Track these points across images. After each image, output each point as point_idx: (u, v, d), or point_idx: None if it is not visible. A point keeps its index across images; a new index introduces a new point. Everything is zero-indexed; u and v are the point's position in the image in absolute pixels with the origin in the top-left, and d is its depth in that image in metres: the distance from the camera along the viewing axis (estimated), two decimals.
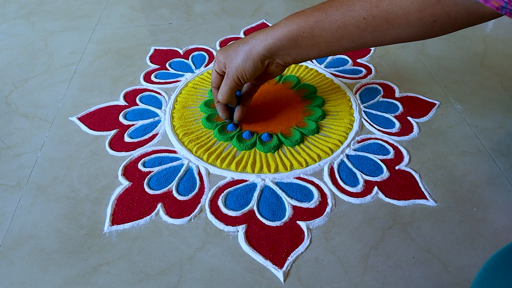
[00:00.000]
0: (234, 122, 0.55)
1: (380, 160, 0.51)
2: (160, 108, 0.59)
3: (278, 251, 0.41)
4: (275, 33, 0.45)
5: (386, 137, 0.54)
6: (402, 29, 0.40)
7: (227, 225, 0.43)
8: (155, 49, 0.73)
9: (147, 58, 0.70)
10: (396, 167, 0.50)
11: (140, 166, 0.50)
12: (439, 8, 0.38)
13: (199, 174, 0.49)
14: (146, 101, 0.61)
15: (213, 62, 0.49)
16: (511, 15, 0.35)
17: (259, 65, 0.47)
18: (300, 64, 0.68)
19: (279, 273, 0.39)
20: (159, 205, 0.45)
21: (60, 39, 0.77)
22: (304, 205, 0.45)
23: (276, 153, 0.52)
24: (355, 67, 0.68)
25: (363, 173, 0.49)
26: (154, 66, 0.69)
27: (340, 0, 0.42)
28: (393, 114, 0.58)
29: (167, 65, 0.69)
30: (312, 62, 0.69)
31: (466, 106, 0.59)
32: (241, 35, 0.77)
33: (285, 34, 0.44)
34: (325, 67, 0.68)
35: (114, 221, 0.44)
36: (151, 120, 0.57)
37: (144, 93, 0.62)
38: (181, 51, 0.72)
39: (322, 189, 0.47)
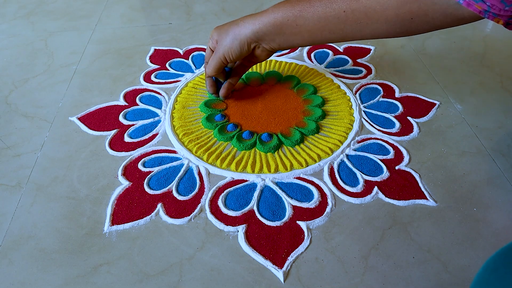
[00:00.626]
0: (220, 98, 0.59)
1: (380, 160, 0.51)
2: (160, 108, 0.59)
3: (278, 251, 0.41)
4: (263, 18, 0.47)
5: (386, 137, 0.54)
6: (380, 24, 0.41)
7: (227, 225, 0.43)
8: (155, 49, 0.73)
9: (147, 58, 0.70)
10: (396, 167, 0.50)
11: (140, 166, 0.50)
12: (416, 6, 0.39)
13: (199, 174, 0.49)
14: (146, 101, 0.61)
15: (209, 39, 0.54)
16: (493, 18, 0.36)
17: (245, 47, 0.50)
18: (300, 64, 0.68)
19: (279, 273, 0.39)
20: (159, 205, 0.45)
21: (60, 39, 0.77)
22: (304, 205, 0.45)
23: (276, 153, 0.52)
24: (355, 67, 0.68)
25: (363, 173, 0.49)
26: (154, 66, 0.69)
27: None
28: (393, 114, 0.58)
29: (167, 65, 0.69)
30: (312, 62, 0.69)
31: (466, 106, 0.59)
32: None
33: (271, 20, 0.47)
34: (325, 67, 0.68)
35: (114, 221, 0.44)
36: (151, 120, 0.57)
37: (144, 93, 0.62)
38: (181, 51, 0.72)
39: (322, 189, 0.47)
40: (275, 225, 0.43)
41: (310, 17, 0.45)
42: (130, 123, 0.57)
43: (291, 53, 0.71)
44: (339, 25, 0.44)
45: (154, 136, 0.55)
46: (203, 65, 0.59)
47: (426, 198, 0.46)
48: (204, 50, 0.72)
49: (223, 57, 0.51)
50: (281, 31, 0.47)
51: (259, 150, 0.52)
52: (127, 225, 0.44)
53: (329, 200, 0.46)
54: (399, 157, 0.51)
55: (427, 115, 0.58)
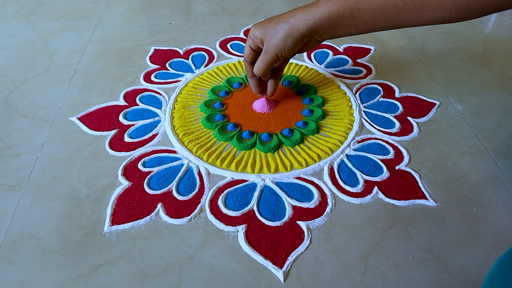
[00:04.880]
0: (267, 96, 0.58)
1: (380, 160, 0.51)
2: (160, 108, 0.59)
3: (278, 251, 0.41)
4: (316, 13, 0.46)
5: (386, 137, 0.54)
6: (437, 11, 0.41)
7: (227, 225, 0.43)
8: (155, 49, 0.73)
9: (147, 58, 0.70)
10: (396, 167, 0.50)
11: (140, 166, 0.50)
12: None
13: (199, 174, 0.49)
14: (146, 101, 0.61)
15: (247, 38, 0.52)
16: None
17: (299, 43, 0.49)
18: (300, 64, 0.68)
19: (279, 273, 0.39)
20: (159, 205, 0.45)
21: (60, 39, 0.77)
22: (304, 205, 0.45)
23: (276, 153, 0.52)
24: (355, 67, 0.68)
25: (363, 173, 0.49)
26: (154, 66, 0.69)
27: None
28: (393, 114, 0.58)
29: (167, 65, 0.69)
30: (312, 62, 0.69)
31: (466, 106, 0.59)
32: (241, 35, 0.77)
33: (326, 14, 0.46)
34: (325, 67, 0.68)
35: (114, 221, 0.44)
36: (151, 120, 0.57)
37: (144, 93, 0.62)
38: (181, 51, 0.72)
39: (322, 189, 0.47)
40: (275, 225, 0.43)
41: (367, 8, 0.44)
42: (130, 123, 0.57)
43: None
44: (396, 13, 0.43)
45: (154, 136, 0.55)
46: (244, 65, 0.56)
47: (426, 198, 0.46)
48: (204, 50, 0.72)
49: (275, 55, 0.50)
50: (336, 24, 0.46)
51: (259, 150, 0.52)
52: (127, 225, 0.44)
53: (329, 200, 0.46)
54: (399, 157, 0.51)
55: (427, 115, 0.58)
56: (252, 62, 0.54)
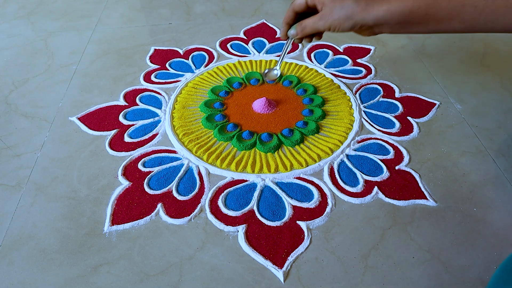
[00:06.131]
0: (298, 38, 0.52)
1: (380, 160, 0.51)
2: (160, 108, 0.59)
3: (278, 251, 0.41)
4: (390, 6, 0.43)
5: (386, 137, 0.54)
6: None
7: (227, 225, 0.43)
8: (155, 49, 0.73)
9: (147, 58, 0.70)
10: (396, 167, 0.50)
11: (140, 166, 0.50)
12: None
13: (199, 174, 0.49)
14: (146, 101, 0.61)
15: None
16: None
17: (356, 29, 0.45)
18: (300, 64, 0.68)
19: (279, 273, 0.39)
20: (159, 205, 0.45)
21: (60, 39, 0.77)
22: (304, 205, 0.45)
23: (276, 153, 0.52)
24: (355, 67, 0.68)
25: (363, 173, 0.49)
26: (154, 66, 0.68)
27: None
28: (393, 114, 0.58)
29: (167, 65, 0.69)
30: (312, 62, 0.69)
31: (466, 106, 0.59)
32: (241, 35, 0.77)
33: (399, 9, 0.43)
34: (325, 67, 0.68)
35: (114, 221, 0.44)
36: (151, 120, 0.57)
37: (144, 93, 0.62)
38: (181, 51, 0.72)
39: (322, 189, 0.47)
40: (275, 225, 0.43)
41: (445, 5, 0.41)
42: (130, 123, 0.57)
43: (291, 53, 0.71)
44: (473, 14, 0.40)
45: (154, 136, 0.55)
46: (284, 24, 0.51)
47: (426, 198, 0.46)
48: (204, 50, 0.72)
49: (328, 27, 0.46)
50: (406, 20, 0.43)
51: (259, 150, 0.52)
52: (127, 225, 0.44)
53: (329, 200, 0.46)
54: (399, 157, 0.51)
55: (427, 115, 0.58)
56: (290, 24, 0.50)
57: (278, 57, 0.54)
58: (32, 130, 0.56)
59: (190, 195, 0.46)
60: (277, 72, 0.56)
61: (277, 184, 0.48)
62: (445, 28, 0.43)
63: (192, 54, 0.71)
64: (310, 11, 0.49)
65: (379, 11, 0.43)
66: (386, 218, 0.44)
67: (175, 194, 0.46)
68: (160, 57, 0.70)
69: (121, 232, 0.43)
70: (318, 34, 0.51)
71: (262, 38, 0.76)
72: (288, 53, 0.54)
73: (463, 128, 0.56)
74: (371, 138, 0.54)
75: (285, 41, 0.53)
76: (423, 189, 0.47)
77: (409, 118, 0.57)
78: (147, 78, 0.65)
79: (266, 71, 0.57)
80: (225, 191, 0.47)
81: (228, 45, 0.74)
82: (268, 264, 0.40)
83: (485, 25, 0.41)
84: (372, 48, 0.72)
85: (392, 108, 0.59)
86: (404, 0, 0.42)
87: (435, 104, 0.59)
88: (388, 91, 0.62)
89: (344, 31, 0.46)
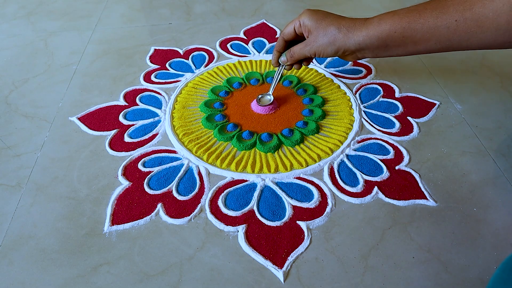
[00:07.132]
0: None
1: (380, 160, 0.51)
2: (160, 108, 0.59)
3: (278, 251, 0.41)
4: (368, 31, 0.46)
5: (386, 137, 0.54)
6: (490, 33, 0.40)
7: (227, 225, 0.43)
8: (155, 49, 0.73)
9: (147, 58, 0.70)
10: (396, 167, 0.50)
11: (140, 166, 0.50)
12: None
13: (199, 174, 0.49)
14: (146, 101, 0.61)
15: (295, 20, 0.52)
16: None
17: (340, 54, 0.49)
18: None
19: (279, 273, 0.39)
20: (159, 205, 0.45)
21: (60, 39, 0.77)
22: (304, 205, 0.45)
23: (276, 153, 0.52)
24: (355, 67, 0.68)
25: (363, 173, 0.49)
26: (154, 66, 0.69)
27: (434, 2, 0.43)
28: (393, 114, 0.58)
29: (167, 65, 0.69)
30: (312, 62, 0.69)
31: (466, 106, 0.59)
32: (241, 35, 0.77)
33: (377, 33, 0.45)
34: (325, 67, 0.68)
35: (114, 221, 0.44)
36: (151, 120, 0.57)
37: (144, 93, 0.62)
38: (181, 51, 0.72)
39: (322, 189, 0.47)
40: (275, 225, 0.43)
41: (419, 28, 0.43)
42: (130, 123, 0.57)
43: None
44: (447, 35, 0.42)
45: (154, 136, 0.55)
46: (274, 54, 0.57)
47: (426, 198, 0.46)
48: (204, 50, 0.72)
49: (313, 53, 0.50)
50: (385, 44, 0.46)
51: (259, 150, 0.52)
52: (127, 225, 0.44)
53: (329, 200, 0.46)
54: (399, 157, 0.51)
55: (427, 115, 0.58)
56: (281, 51, 0.55)
57: (271, 83, 0.59)
58: (32, 130, 0.56)
59: (190, 195, 0.46)
60: (270, 97, 0.58)
61: (277, 184, 0.48)
62: (424, 49, 0.45)
63: (192, 54, 0.71)
64: (299, 38, 0.53)
65: (359, 36, 0.46)
66: (386, 218, 0.44)
67: (175, 194, 0.47)
68: (160, 57, 0.70)
69: (121, 232, 0.43)
70: (306, 60, 0.56)
71: (262, 38, 0.76)
72: (279, 79, 0.58)
73: (463, 128, 0.56)
74: (371, 138, 0.54)
75: (277, 68, 0.58)
76: (423, 189, 0.47)
77: (409, 118, 0.57)
78: (147, 78, 0.65)
79: (259, 96, 0.59)
80: (225, 191, 0.47)
81: (228, 45, 0.74)
82: (268, 264, 0.40)
83: (460, 44, 0.43)
84: None
85: (392, 108, 0.59)
86: (381, 25, 0.45)
87: (435, 104, 0.59)
88: (388, 91, 0.62)
89: (329, 56, 0.50)
